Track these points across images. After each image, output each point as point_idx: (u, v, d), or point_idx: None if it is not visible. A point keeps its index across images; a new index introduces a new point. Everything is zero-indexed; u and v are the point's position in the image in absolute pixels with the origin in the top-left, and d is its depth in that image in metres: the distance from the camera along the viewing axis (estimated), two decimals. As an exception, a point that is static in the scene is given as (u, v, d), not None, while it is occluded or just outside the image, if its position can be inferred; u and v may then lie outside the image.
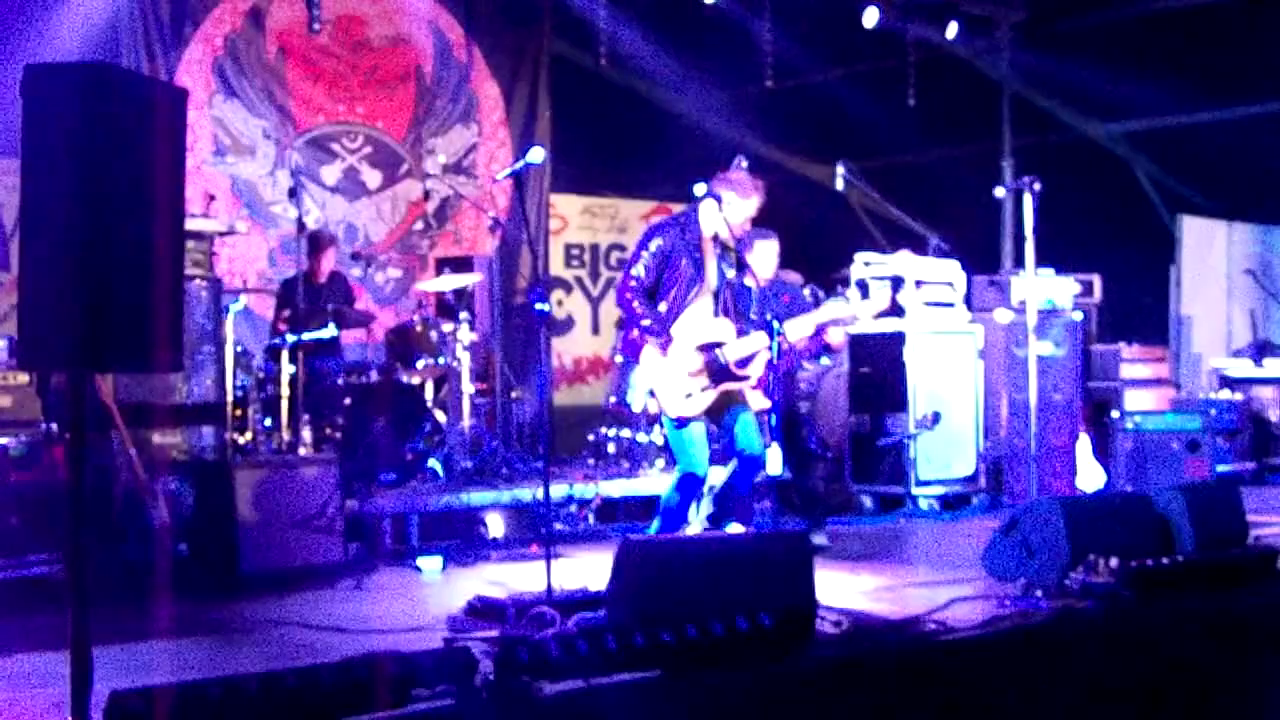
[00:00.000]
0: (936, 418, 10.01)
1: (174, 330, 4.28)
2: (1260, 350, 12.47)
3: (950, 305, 10.57)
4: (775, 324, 6.48)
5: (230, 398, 8.42)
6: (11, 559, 6.70)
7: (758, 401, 6.93)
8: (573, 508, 9.16)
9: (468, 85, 12.69)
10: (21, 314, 4.00)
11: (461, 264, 10.99)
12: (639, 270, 6.72)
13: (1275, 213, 14.15)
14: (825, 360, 9.76)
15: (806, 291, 9.04)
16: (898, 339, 10.18)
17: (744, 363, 6.77)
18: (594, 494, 9.17)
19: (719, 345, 6.74)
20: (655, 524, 6.89)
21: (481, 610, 5.80)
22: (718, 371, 6.72)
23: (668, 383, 6.69)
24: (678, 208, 13.31)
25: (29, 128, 3.93)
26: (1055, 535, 6.14)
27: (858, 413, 10.42)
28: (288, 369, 8.57)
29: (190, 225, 7.30)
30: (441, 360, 9.61)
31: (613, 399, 10.37)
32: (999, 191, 11.43)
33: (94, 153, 3.89)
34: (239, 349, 8.75)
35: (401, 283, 12.22)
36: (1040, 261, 8.55)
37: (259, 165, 11.46)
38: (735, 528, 6.96)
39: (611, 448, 10.12)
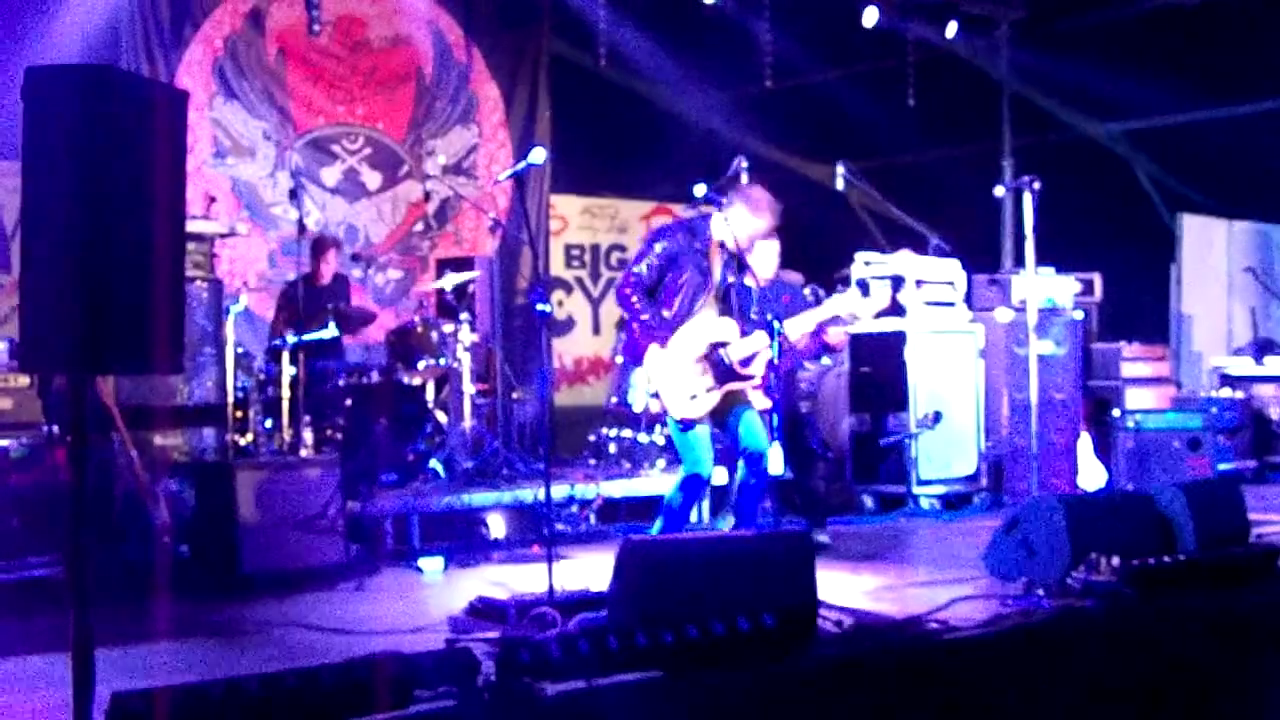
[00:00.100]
0: (937, 417, 10.01)
1: (175, 332, 4.28)
2: (1261, 348, 12.46)
3: (951, 304, 10.57)
4: (776, 324, 6.48)
5: (231, 399, 8.43)
6: (12, 561, 6.70)
7: (759, 401, 6.92)
8: (574, 508, 9.16)
9: (467, 86, 12.69)
10: (22, 316, 4.00)
11: (462, 265, 11.00)
12: (641, 268, 6.72)
13: (1275, 211, 14.14)
14: (826, 360, 9.77)
15: (807, 291, 9.02)
16: (898, 338, 10.18)
17: (746, 362, 6.77)
18: (595, 494, 9.17)
19: (723, 345, 6.73)
20: (658, 524, 6.88)
21: (483, 611, 5.80)
22: (722, 372, 6.72)
23: (673, 385, 6.69)
24: (678, 208, 13.40)
25: (30, 130, 3.93)
26: (1057, 534, 6.14)
27: (859, 412, 10.42)
28: (288, 370, 8.58)
29: (191, 227, 7.29)
30: (442, 361, 9.61)
31: (614, 399, 10.36)
32: (999, 191, 11.43)
33: (95, 154, 3.89)
34: (240, 350, 8.76)
35: (402, 284, 12.23)
36: (1040, 260, 8.55)
37: (259, 167, 11.46)
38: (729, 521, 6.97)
39: (612, 448, 10.12)
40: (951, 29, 13.01)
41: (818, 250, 10.88)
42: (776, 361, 6.54)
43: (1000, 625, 5.52)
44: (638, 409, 9.97)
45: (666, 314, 6.69)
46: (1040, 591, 6.00)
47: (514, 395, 10.89)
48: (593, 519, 9.29)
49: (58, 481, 6.81)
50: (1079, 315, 10.90)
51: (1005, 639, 5.41)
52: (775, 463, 6.41)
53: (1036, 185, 8.00)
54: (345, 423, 9.13)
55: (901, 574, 7.37)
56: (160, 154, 4.15)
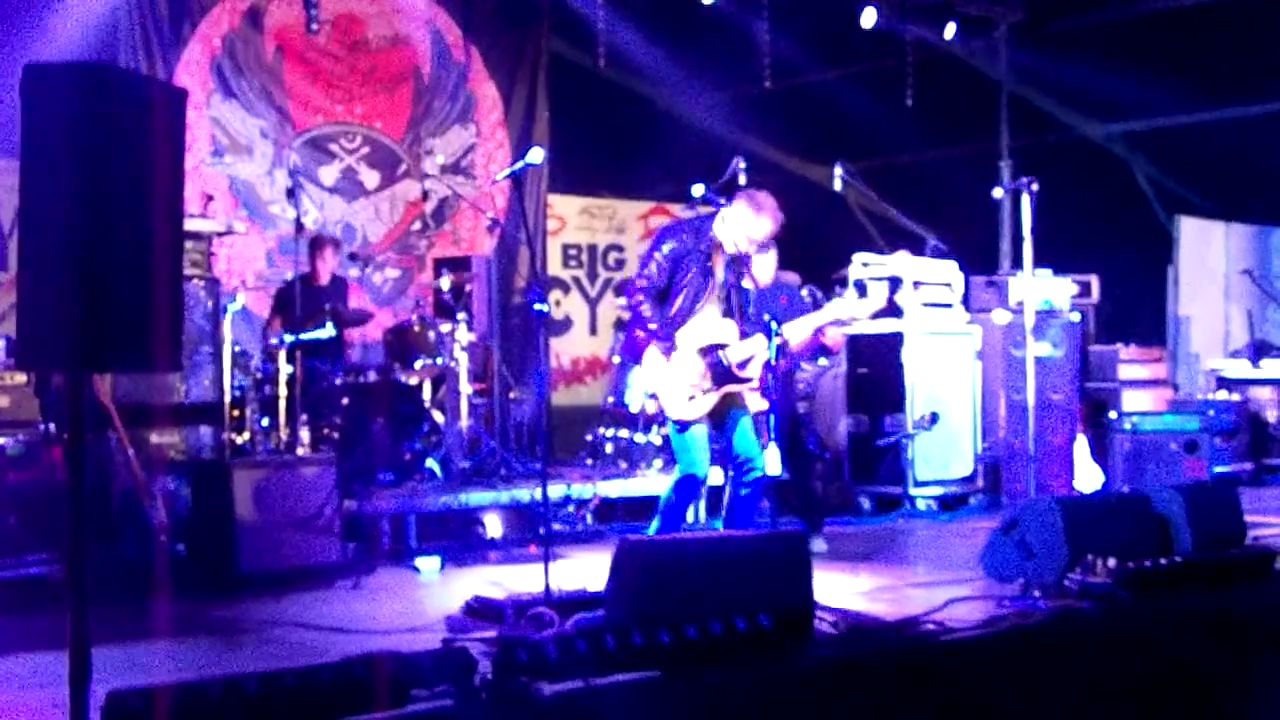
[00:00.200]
0: (935, 418, 10.02)
1: (172, 330, 4.28)
2: (1258, 351, 12.47)
3: (948, 306, 10.58)
4: (773, 325, 6.48)
5: (228, 398, 8.42)
6: (10, 559, 6.70)
7: (755, 403, 6.91)
8: (571, 508, 9.16)
9: (466, 85, 12.69)
10: (20, 314, 3.99)
11: (460, 264, 11.00)
12: (651, 270, 6.70)
13: (1273, 213, 14.17)
14: (823, 361, 9.77)
15: (805, 292, 9.03)
16: (896, 339, 10.19)
17: (744, 364, 6.76)
18: (592, 494, 9.17)
19: (722, 347, 6.73)
20: (654, 524, 6.88)
21: (480, 610, 5.81)
22: (720, 374, 6.71)
23: (671, 385, 6.68)
24: (676, 208, 13.39)
25: (28, 127, 3.92)
26: (1054, 536, 6.15)
27: (856, 413, 10.43)
28: (285, 369, 8.57)
29: (188, 225, 7.30)
30: (439, 360, 9.61)
31: (610, 399, 10.37)
32: (997, 192, 11.42)
33: (93, 152, 3.89)
34: (237, 349, 8.75)
35: (399, 283, 12.22)
36: (1038, 262, 8.55)
37: (257, 165, 11.46)
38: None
39: (609, 448, 10.13)
40: (950, 30, 13.02)
41: (815, 251, 10.87)
42: (774, 363, 6.54)
43: (997, 626, 5.53)
44: (634, 409, 9.98)
45: (669, 312, 6.69)
46: (1037, 593, 6.00)
47: (511, 395, 10.89)
48: (589, 519, 9.29)
49: (55, 479, 6.81)
50: (1076, 317, 10.91)
51: (1002, 640, 5.42)
52: (772, 463, 6.40)
53: (1035, 187, 7.99)
54: (342, 422, 9.13)
55: (898, 575, 7.38)
56: (159, 152, 4.15)
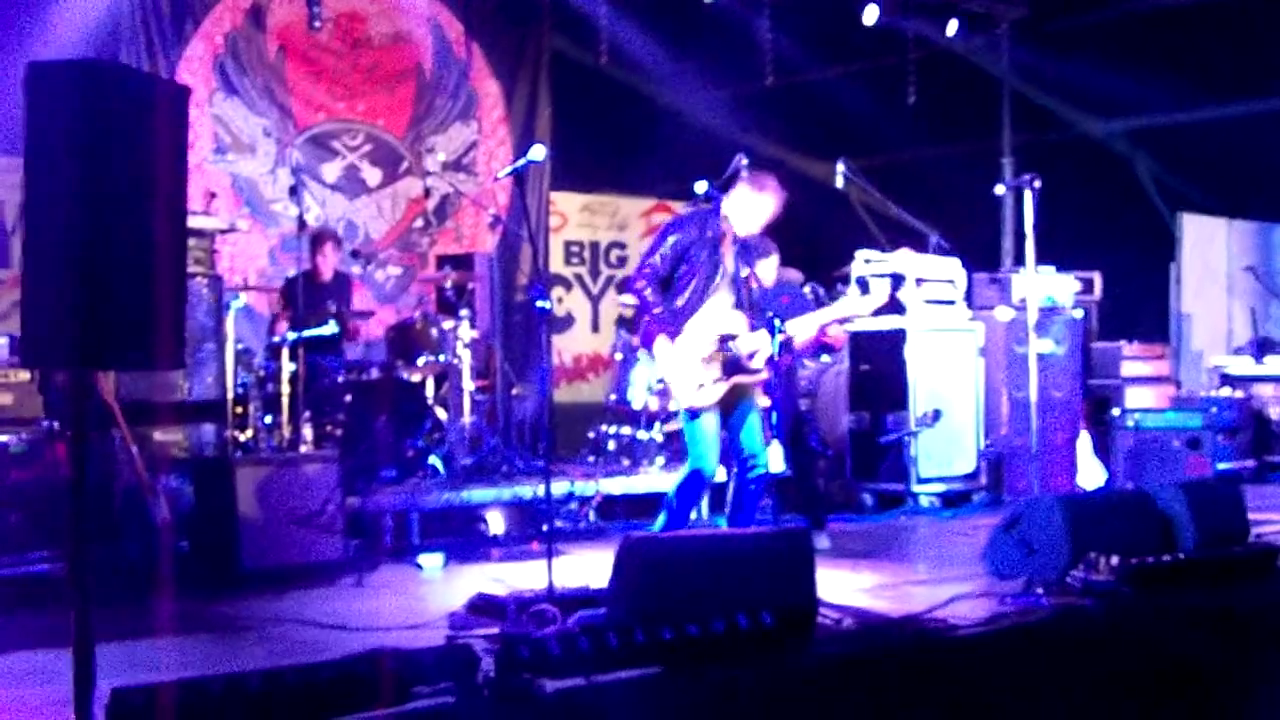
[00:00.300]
0: (937, 415, 10.01)
1: (175, 328, 4.28)
2: (1260, 348, 12.46)
3: (951, 303, 10.57)
4: (777, 322, 6.48)
5: (231, 395, 8.43)
6: (13, 556, 6.71)
7: (758, 400, 6.92)
8: (573, 505, 9.16)
9: (468, 83, 12.69)
10: (24, 312, 4.00)
11: (462, 261, 11.01)
12: (655, 259, 6.72)
13: (1275, 210, 14.14)
14: (826, 358, 9.77)
15: (807, 290, 9.04)
16: (898, 336, 10.18)
17: (753, 355, 6.77)
18: (594, 491, 9.17)
19: (732, 337, 6.74)
20: (660, 521, 6.88)
21: (483, 607, 5.81)
22: (730, 363, 6.72)
23: (680, 372, 6.68)
24: (678, 205, 13.38)
25: (31, 125, 3.93)
26: (1056, 533, 6.15)
27: (858, 410, 10.42)
28: (288, 366, 8.58)
29: (191, 223, 7.29)
30: (442, 357, 9.61)
31: (613, 396, 10.37)
32: (1000, 189, 11.43)
33: (96, 150, 3.89)
34: (240, 346, 8.76)
35: (401, 280, 12.23)
36: (1040, 259, 8.55)
37: (260, 163, 11.46)
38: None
39: (612, 445, 10.12)
40: (952, 27, 13.00)
41: (817, 249, 10.88)
42: (777, 359, 6.55)
43: (999, 624, 5.53)
44: (637, 406, 9.97)
45: (680, 302, 6.70)
46: (1039, 590, 6.00)
47: (513, 392, 10.89)
48: (592, 516, 9.29)
49: (58, 477, 6.82)
50: (1079, 314, 10.91)
51: (1004, 638, 5.42)
52: (775, 461, 6.41)
53: (1037, 184, 7.99)
54: (345, 419, 9.14)
55: (900, 572, 7.38)
56: (161, 150, 4.16)
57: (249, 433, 8.73)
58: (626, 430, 10.07)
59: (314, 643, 5.60)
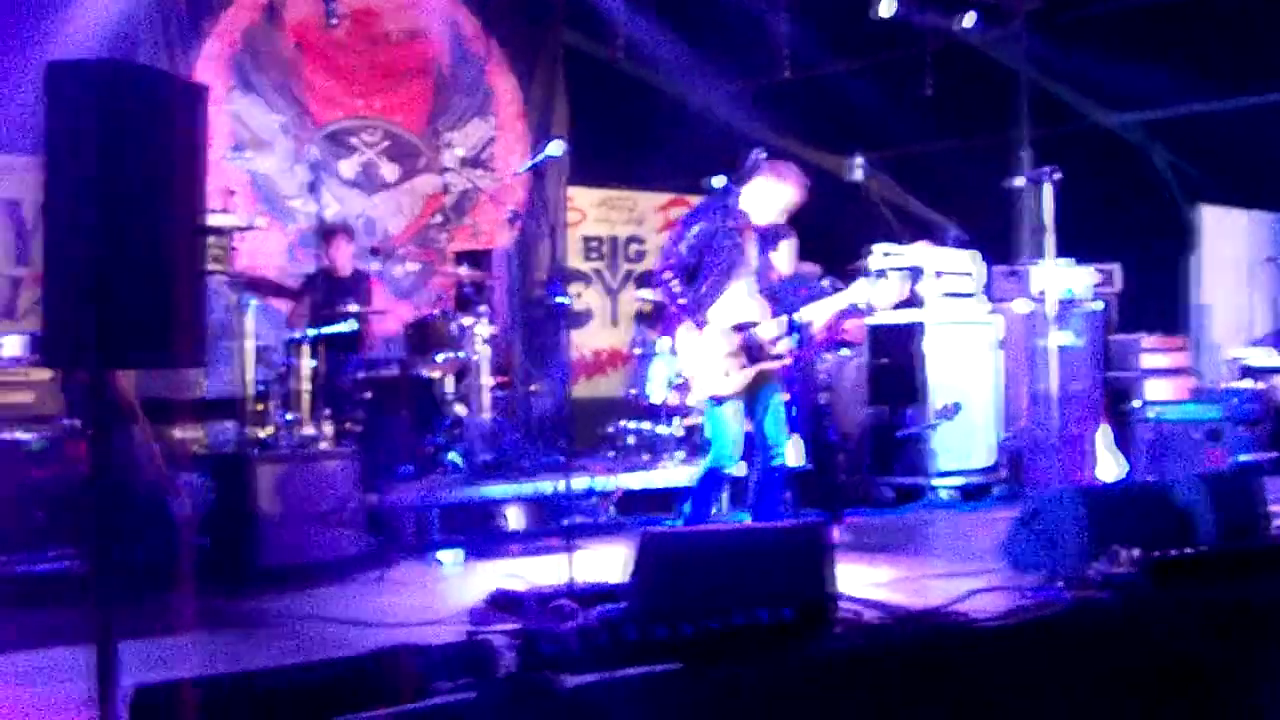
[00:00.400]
0: (956, 408, 10.00)
1: (194, 326, 4.29)
2: (1281, 339, 12.43)
3: (969, 296, 10.56)
4: (794, 317, 6.49)
5: (250, 392, 8.44)
6: (34, 553, 6.74)
7: (780, 388, 6.94)
8: (593, 500, 9.16)
9: (484, 79, 12.70)
10: (45, 311, 4.02)
11: (480, 257, 11.01)
12: (681, 249, 6.75)
13: (1295, 201, 14.09)
14: (844, 351, 9.76)
15: (825, 283, 9.02)
16: (916, 330, 10.17)
17: (775, 342, 6.79)
18: (614, 486, 9.18)
19: (754, 325, 6.75)
20: (680, 515, 6.89)
21: (502, 603, 5.82)
22: (752, 350, 6.73)
23: (705, 361, 6.69)
24: (695, 199, 13.34)
25: (51, 125, 3.94)
26: (1076, 526, 6.14)
27: (877, 403, 10.41)
28: (308, 363, 8.60)
29: (210, 220, 7.32)
30: (461, 354, 9.61)
31: (632, 391, 10.37)
32: (1018, 181, 11.38)
33: (114, 149, 3.91)
34: (259, 343, 8.77)
35: (420, 276, 12.23)
36: (1057, 251, 8.53)
37: (277, 160, 11.47)
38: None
39: (631, 440, 10.12)
40: (969, 19, 12.95)
41: (835, 242, 10.86)
42: (796, 352, 6.56)
43: (1019, 617, 5.51)
44: (656, 401, 9.97)
45: (703, 290, 6.72)
46: (1060, 583, 5.98)
47: (532, 387, 10.89)
48: (612, 511, 9.30)
49: (78, 474, 6.84)
50: (1098, 306, 10.87)
51: (1024, 631, 5.40)
52: (794, 454, 6.41)
53: (1056, 176, 7.96)
54: (364, 415, 9.14)
55: (919, 565, 7.37)
56: (179, 148, 4.17)
57: (268, 429, 8.73)
58: (646, 425, 10.07)
59: (334, 639, 5.62)
